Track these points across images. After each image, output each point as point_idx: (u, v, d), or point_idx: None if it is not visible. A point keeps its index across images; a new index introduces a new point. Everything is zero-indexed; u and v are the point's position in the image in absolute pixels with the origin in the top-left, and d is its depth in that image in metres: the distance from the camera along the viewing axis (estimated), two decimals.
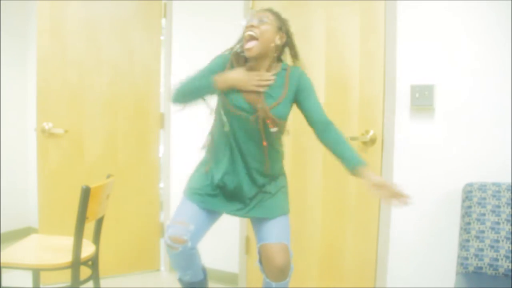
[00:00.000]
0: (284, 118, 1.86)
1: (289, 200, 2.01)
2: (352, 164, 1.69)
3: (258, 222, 1.93)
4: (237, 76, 1.83)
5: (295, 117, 1.80)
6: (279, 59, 1.93)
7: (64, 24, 2.86)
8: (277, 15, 1.87)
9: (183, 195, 1.96)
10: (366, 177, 1.65)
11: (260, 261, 1.90)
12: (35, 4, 2.86)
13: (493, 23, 2.16)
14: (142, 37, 3.09)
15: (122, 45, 3.03)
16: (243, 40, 1.82)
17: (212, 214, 1.94)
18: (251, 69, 1.85)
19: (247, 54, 1.81)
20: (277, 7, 2.71)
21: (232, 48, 1.93)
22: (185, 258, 1.86)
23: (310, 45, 2.63)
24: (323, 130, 1.80)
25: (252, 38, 1.78)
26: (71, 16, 2.87)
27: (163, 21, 3.18)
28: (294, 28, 2.66)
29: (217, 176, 1.89)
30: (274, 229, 1.87)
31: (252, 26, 1.79)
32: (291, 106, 1.87)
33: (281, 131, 1.90)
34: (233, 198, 1.92)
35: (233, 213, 1.93)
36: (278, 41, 1.84)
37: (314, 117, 1.82)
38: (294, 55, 1.92)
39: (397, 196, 1.60)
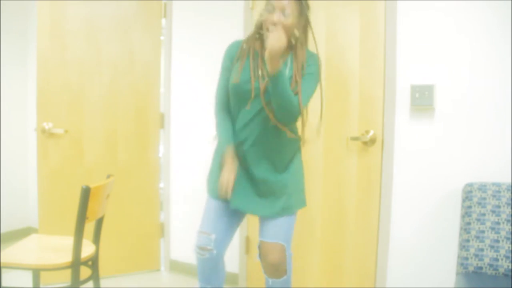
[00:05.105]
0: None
1: (303, 196, 1.98)
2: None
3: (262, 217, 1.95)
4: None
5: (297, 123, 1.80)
6: None
7: (64, 24, 2.86)
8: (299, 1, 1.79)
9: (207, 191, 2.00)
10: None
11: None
12: (35, 4, 2.86)
13: (492, 23, 2.15)
14: (142, 37, 3.09)
15: (122, 45, 3.03)
16: (265, 31, 1.78)
17: (234, 214, 1.95)
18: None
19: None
20: None
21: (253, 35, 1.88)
22: (211, 264, 1.92)
23: (310, 45, 2.62)
24: None
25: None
26: (71, 16, 2.87)
27: (163, 21, 3.19)
28: None
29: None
30: (273, 228, 1.88)
31: (275, 23, 1.74)
32: None
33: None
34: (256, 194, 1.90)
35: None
36: (297, 29, 1.83)
37: None
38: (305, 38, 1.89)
39: None
